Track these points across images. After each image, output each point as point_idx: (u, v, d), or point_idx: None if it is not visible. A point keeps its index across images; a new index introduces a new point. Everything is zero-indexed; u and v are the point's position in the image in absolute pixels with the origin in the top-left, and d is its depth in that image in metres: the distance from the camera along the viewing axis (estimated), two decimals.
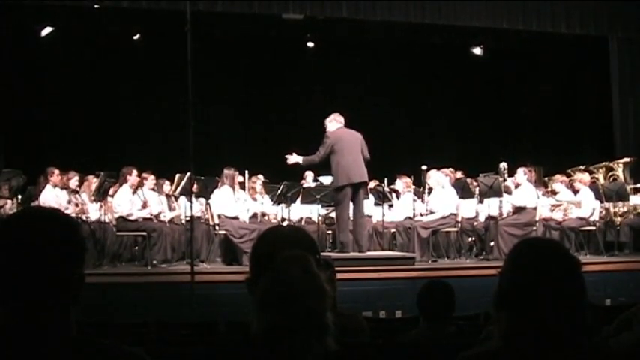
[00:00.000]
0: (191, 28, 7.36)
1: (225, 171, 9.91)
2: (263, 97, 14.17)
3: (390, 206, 11.08)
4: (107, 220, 9.59)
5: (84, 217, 9.48)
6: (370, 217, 10.52)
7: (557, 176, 11.43)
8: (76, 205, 9.56)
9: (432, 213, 10.18)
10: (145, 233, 9.21)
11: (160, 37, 12.69)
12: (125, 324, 5.88)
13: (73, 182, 9.74)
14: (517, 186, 10.15)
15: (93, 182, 9.98)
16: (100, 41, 13.04)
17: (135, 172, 9.52)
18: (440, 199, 10.13)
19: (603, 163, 12.23)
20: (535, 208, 10.02)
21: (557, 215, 10.61)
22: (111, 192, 9.66)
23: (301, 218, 10.86)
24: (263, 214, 10.72)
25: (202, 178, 9.61)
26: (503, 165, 10.32)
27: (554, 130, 14.52)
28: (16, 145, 12.13)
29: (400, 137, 14.40)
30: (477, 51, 14.25)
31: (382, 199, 10.63)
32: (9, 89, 11.98)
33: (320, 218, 10.49)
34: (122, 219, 9.29)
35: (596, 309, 6.02)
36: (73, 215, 8.76)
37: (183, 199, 10.11)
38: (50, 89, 12.77)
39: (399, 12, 11.96)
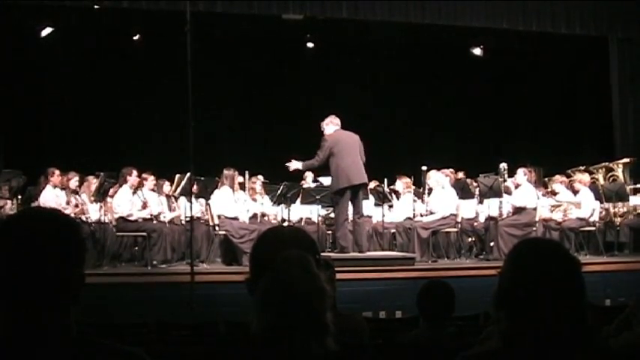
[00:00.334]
0: (191, 29, 7.37)
1: (225, 171, 9.91)
2: (263, 97, 14.17)
3: (390, 206, 11.08)
4: (107, 221, 9.59)
5: (84, 218, 9.48)
6: (370, 217, 10.52)
7: (557, 176, 11.42)
8: (76, 205, 9.55)
9: (431, 213, 10.18)
10: (144, 234, 9.22)
11: (159, 37, 12.69)
12: (125, 324, 5.89)
13: (73, 182, 9.74)
14: (517, 186, 10.15)
15: (93, 182, 9.98)
16: (100, 41, 13.05)
17: (135, 173, 9.52)
18: (440, 199, 10.13)
19: (603, 164, 12.24)
20: (535, 209, 10.02)
21: (557, 216, 10.61)
22: (111, 192, 9.66)
23: (301, 219, 10.86)
24: (263, 215, 10.72)
25: (202, 178, 9.61)
26: (503, 165, 10.31)
27: (554, 130, 14.52)
28: (16, 145, 12.13)
29: (400, 137, 14.40)
30: (477, 51, 14.24)
31: (382, 199, 10.63)
32: (9, 89, 11.99)
33: (320, 219, 10.49)
34: (122, 219, 9.29)
35: (596, 309, 6.03)
36: (73, 216, 8.76)
37: (183, 200, 10.11)
38: (50, 89, 12.78)
39: (398, 12, 11.97)
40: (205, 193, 9.72)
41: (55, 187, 9.49)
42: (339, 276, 3.87)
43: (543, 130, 14.69)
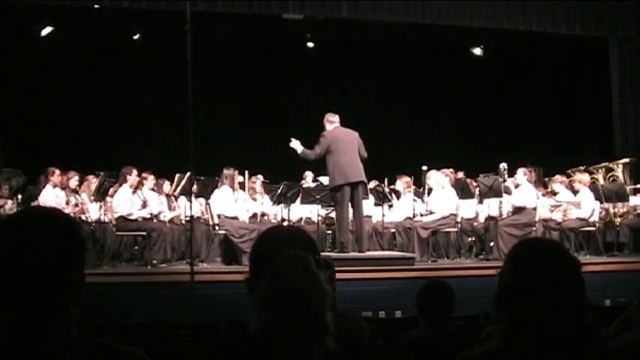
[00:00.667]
0: (191, 28, 7.36)
1: (225, 171, 9.90)
2: (263, 97, 14.17)
3: (390, 206, 11.08)
4: (107, 220, 9.59)
5: (84, 217, 9.47)
6: (370, 217, 10.52)
7: (557, 176, 11.42)
8: (76, 204, 9.55)
9: (431, 213, 10.18)
10: (144, 233, 9.22)
11: (160, 37, 12.69)
12: (125, 324, 5.89)
13: (73, 182, 9.74)
14: (517, 186, 10.15)
15: (93, 182, 9.98)
16: (100, 41, 13.05)
17: (135, 172, 9.52)
18: (440, 199, 10.13)
19: (603, 164, 12.24)
20: (535, 209, 10.02)
21: (557, 216, 10.61)
22: (110, 192, 9.66)
23: (301, 218, 10.86)
24: (263, 214, 10.72)
25: (202, 178, 9.62)
26: (503, 165, 10.32)
27: (554, 130, 14.53)
28: (16, 144, 12.13)
29: (400, 137, 14.40)
30: (477, 51, 14.25)
31: (382, 199, 10.64)
32: (9, 89, 11.99)
33: (320, 218, 10.49)
34: (122, 219, 9.29)
35: (595, 309, 6.02)
36: (73, 215, 8.76)
37: (183, 199, 10.11)
38: (50, 89, 12.78)
39: (399, 12, 11.96)
40: (205, 193, 9.72)
41: (54, 186, 9.48)
42: (338, 276, 3.86)
43: (543, 130, 14.70)
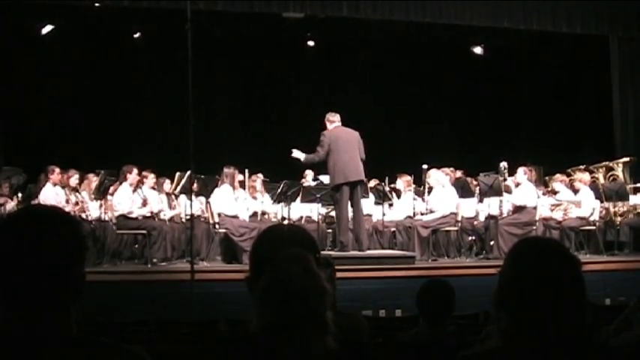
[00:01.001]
0: (191, 27, 7.36)
1: (226, 169, 9.90)
2: (263, 95, 14.18)
3: (390, 205, 11.08)
4: (107, 219, 9.59)
5: (84, 216, 9.48)
6: (370, 215, 10.53)
7: (558, 175, 11.42)
8: (76, 203, 9.55)
9: (432, 212, 10.18)
10: (145, 231, 9.22)
11: (160, 35, 12.69)
12: (125, 322, 5.89)
13: (73, 180, 9.73)
14: (517, 185, 10.16)
15: (93, 180, 9.97)
16: (101, 40, 13.04)
17: (135, 171, 9.52)
18: (440, 198, 10.13)
19: (603, 163, 12.23)
20: (535, 208, 10.02)
21: (557, 215, 10.61)
22: (111, 190, 9.66)
23: (301, 217, 10.86)
24: (263, 213, 10.72)
25: (202, 176, 9.62)
26: (503, 164, 10.32)
27: (555, 129, 14.52)
28: (16, 143, 12.13)
29: (400, 136, 14.40)
30: (478, 50, 14.25)
31: (382, 197, 10.64)
32: (9, 87, 11.98)
33: (320, 217, 10.49)
34: (122, 217, 9.29)
35: (596, 308, 6.03)
36: (73, 213, 8.76)
37: (183, 198, 10.11)
38: (50, 87, 12.77)
39: (399, 11, 11.95)
40: (205, 192, 9.72)
41: (55, 184, 9.48)
42: (339, 274, 3.86)
43: (544, 129, 14.68)
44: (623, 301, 7.11)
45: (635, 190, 11.37)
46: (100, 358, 1.54)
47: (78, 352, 1.53)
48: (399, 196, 11.14)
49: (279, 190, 10.02)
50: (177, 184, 10.32)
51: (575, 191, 10.70)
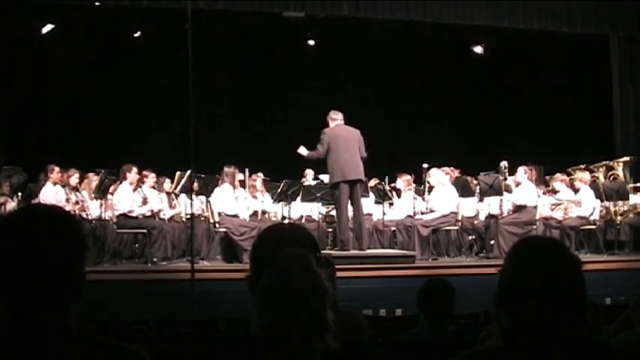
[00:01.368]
0: (192, 26, 7.36)
1: (226, 169, 9.90)
2: (264, 95, 14.17)
3: (391, 204, 11.08)
4: (107, 218, 9.59)
5: (84, 215, 9.48)
6: (370, 215, 10.53)
7: (558, 175, 11.42)
8: (76, 202, 9.55)
9: (432, 211, 10.18)
10: (145, 231, 9.23)
11: (160, 35, 12.69)
12: (125, 322, 5.89)
13: (74, 179, 9.74)
14: (517, 184, 10.16)
15: (93, 180, 9.98)
16: (101, 39, 13.04)
17: (134, 170, 9.52)
18: (440, 197, 10.13)
19: (604, 162, 12.22)
20: (535, 207, 10.02)
21: (558, 214, 10.61)
22: (111, 189, 9.66)
23: (301, 216, 10.87)
24: (263, 212, 10.72)
25: (203, 175, 9.61)
26: (503, 163, 10.33)
27: (555, 128, 14.52)
28: (16, 142, 12.13)
29: (401, 135, 14.39)
30: (478, 49, 14.24)
31: (383, 197, 10.64)
32: (9, 86, 11.98)
33: (320, 216, 10.50)
34: (122, 216, 9.29)
35: (596, 308, 6.02)
36: (73, 213, 8.76)
37: (183, 197, 10.11)
38: (51, 86, 12.77)
39: (399, 10, 11.94)
40: (206, 191, 9.72)
41: (54, 184, 9.49)
42: (339, 274, 3.87)
43: (544, 129, 14.68)
44: (623, 301, 7.11)
45: (636, 190, 11.37)
46: (100, 357, 1.54)
47: (78, 352, 1.52)
48: (399, 196, 11.14)
49: (279, 190, 10.02)
50: (178, 184, 10.32)
51: (576, 190, 10.70)
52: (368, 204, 10.31)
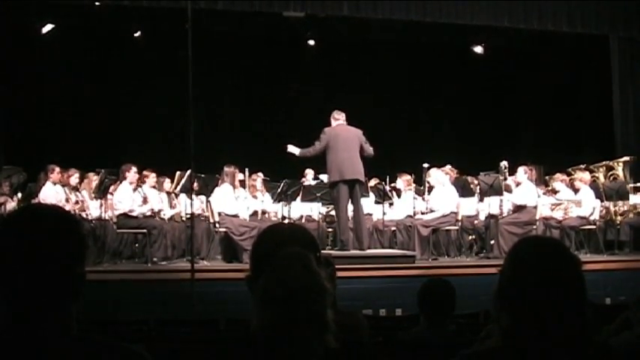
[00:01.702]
0: (192, 26, 7.36)
1: (226, 168, 9.90)
2: (264, 95, 14.18)
3: (391, 204, 11.08)
4: (107, 218, 9.59)
5: (84, 215, 9.48)
6: (370, 215, 10.52)
7: (558, 175, 11.42)
8: (76, 202, 9.55)
9: (432, 211, 10.18)
10: (145, 231, 9.23)
11: (160, 34, 12.69)
12: (125, 321, 5.89)
13: (74, 179, 9.74)
14: (518, 184, 10.16)
15: (93, 179, 9.98)
16: (101, 39, 13.05)
17: (134, 169, 9.52)
18: (440, 197, 10.13)
19: (604, 162, 12.22)
20: (535, 207, 10.02)
21: (558, 214, 10.61)
22: (111, 189, 9.66)
23: (301, 216, 10.87)
24: (263, 212, 10.72)
25: (203, 175, 9.61)
26: (503, 163, 10.33)
27: (555, 128, 14.52)
28: (16, 142, 12.12)
29: (401, 135, 14.39)
30: (478, 49, 14.25)
31: (383, 197, 10.64)
32: (9, 86, 11.98)
33: (320, 216, 10.50)
34: (122, 216, 9.29)
35: (596, 308, 6.01)
36: (73, 212, 8.76)
37: (183, 197, 10.11)
38: (51, 86, 12.77)
39: (399, 10, 11.94)
40: (206, 191, 9.72)
41: (55, 183, 9.49)
42: (339, 273, 3.87)
43: (544, 129, 14.69)
44: (623, 301, 7.12)
45: (636, 190, 11.37)
46: (100, 357, 1.54)
47: (78, 352, 1.52)
48: (399, 196, 11.14)
49: (279, 189, 10.02)
50: (178, 183, 10.32)
51: (576, 190, 10.70)
52: (368, 204, 10.32)
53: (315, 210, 10.48)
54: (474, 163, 11.64)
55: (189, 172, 9.00)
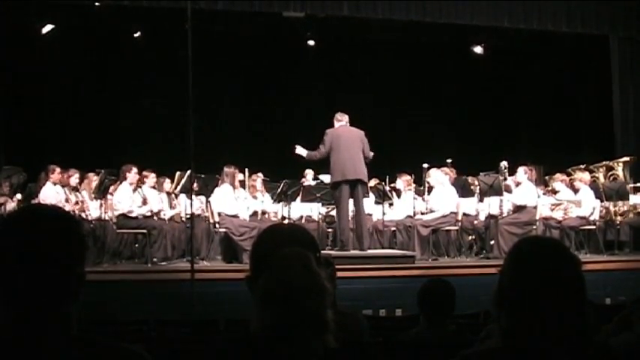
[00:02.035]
0: (192, 26, 7.36)
1: (226, 169, 9.90)
2: (264, 95, 14.18)
3: (391, 204, 11.08)
4: (107, 218, 9.59)
5: (84, 215, 9.47)
6: (370, 215, 10.52)
7: (558, 175, 11.42)
8: (76, 202, 9.55)
9: (432, 211, 10.18)
10: (145, 231, 9.23)
11: (160, 34, 12.69)
12: (125, 322, 5.89)
13: (74, 180, 9.73)
14: (517, 184, 10.16)
15: (93, 180, 9.98)
16: (101, 39, 13.04)
17: (134, 170, 9.52)
18: (440, 197, 10.13)
19: (604, 162, 12.22)
20: (535, 207, 10.02)
21: (558, 214, 10.61)
22: (111, 190, 9.66)
23: (301, 216, 10.87)
24: (263, 212, 10.72)
25: (202, 175, 9.61)
26: (503, 163, 10.33)
27: (555, 128, 14.52)
28: (16, 142, 12.13)
29: (401, 135, 14.40)
30: (478, 49, 14.25)
31: (383, 197, 10.64)
32: (9, 86, 11.98)
33: (320, 216, 10.49)
34: (122, 216, 9.29)
35: (596, 308, 6.02)
36: (73, 213, 8.76)
37: (183, 197, 10.11)
38: (51, 86, 12.77)
39: (399, 10, 11.95)
40: (206, 191, 9.72)
41: (55, 184, 9.49)
42: (339, 274, 3.87)
43: (544, 129, 14.69)
44: (623, 301, 7.11)
45: (636, 190, 11.37)
46: (100, 357, 1.54)
47: (78, 352, 1.52)
48: (399, 196, 11.14)
49: (279, 190, 10.02)
50: (178, 184, 10.32)
51: (576, 191, 10.70)
52: (368, 204, 10.31)
53: (315, 210, 10.48)
54: (473, 163, 11.64)
55: (189, 172, 9.00)
